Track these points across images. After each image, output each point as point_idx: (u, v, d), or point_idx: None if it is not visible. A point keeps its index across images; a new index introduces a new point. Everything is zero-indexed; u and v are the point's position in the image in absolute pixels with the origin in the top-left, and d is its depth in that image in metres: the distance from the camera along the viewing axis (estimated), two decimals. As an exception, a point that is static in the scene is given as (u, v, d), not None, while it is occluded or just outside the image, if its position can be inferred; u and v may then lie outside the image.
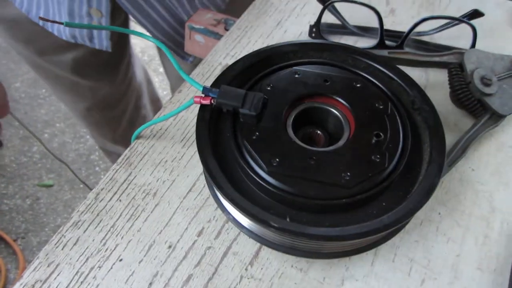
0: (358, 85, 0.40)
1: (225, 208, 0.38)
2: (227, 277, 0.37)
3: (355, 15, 0.56)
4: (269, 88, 0.39)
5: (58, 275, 0.37)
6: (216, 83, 0.40)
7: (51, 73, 0.87)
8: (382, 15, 0.52)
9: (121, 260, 0.38)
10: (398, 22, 0.58)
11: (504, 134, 0.47)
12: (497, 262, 0.38)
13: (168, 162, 0.44)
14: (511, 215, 0.41)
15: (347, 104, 0.39)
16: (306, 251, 0.36)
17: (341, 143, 0.37)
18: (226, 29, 0.60)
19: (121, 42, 0.89)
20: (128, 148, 0.45)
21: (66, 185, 1.78)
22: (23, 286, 0.37)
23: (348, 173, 0.34)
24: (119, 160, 0.44)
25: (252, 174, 0.35)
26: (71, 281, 0.37)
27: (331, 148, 0.37)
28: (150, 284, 0.37)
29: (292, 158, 0.35)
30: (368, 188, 0.34)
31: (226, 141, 0.38)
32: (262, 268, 0.38)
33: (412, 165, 0.37)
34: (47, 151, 1.87)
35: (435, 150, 0.37)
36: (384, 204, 0.35)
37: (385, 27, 0.53)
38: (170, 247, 0.39)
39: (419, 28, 0.52)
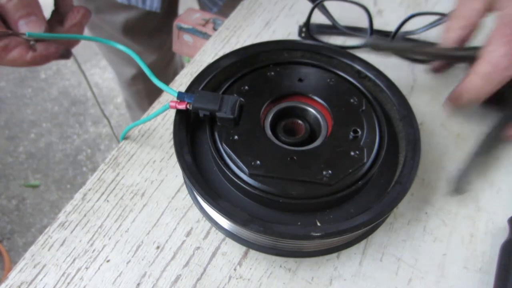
0: (332, 82, 0.40)
1: (210, 216, 0.38)
2: (216, 278, 0.37)
3: (344, 15, 0.56)
4: (244, 90, 0.39)
5: (44, 276, 0.37)
6: (191, 87, 0.40)
7: (105, 33, 0.92)
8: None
9: (108, 261, 0.38)
10: (385, 23, 0.58)
11: (490, 135, 0.48)
12: (482, 261, 0.39)
13: (157, 162, 0.44)
14: (496, 215, 0.41)
15: (322, 102, 0.39)
16: (287, 250, 0.36)
17: (319, 140, 0.38)
18: (215, 29, 0.60)
19: (170, 10, 0.93)
20: (116, 148, 0.45)
21: (53, 185, 1.77)
22: (9, 288, 0.36)
23: (330, 171, 0.34)
24: (107, 160, 0.44)
25: (234, 178, 0.35)
26: (57, 282, 0.36)
27: (310, 146, 0.37)
28: (138, 285, 0.36)
29: (273, 159, 0.35)
30: (349, 184, 0.34)
31: (205, 146, 0.37)
32: (250, 268, 0.38)
33: (390, 159, 0.38)
34: (33, 151, 1.85)
35: (410, 145, 0.37)
36: (362, 202, 0.36)
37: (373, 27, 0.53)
38: (158, 247, 0.38)
39: (407, 28, 0.52)
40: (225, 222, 0.36)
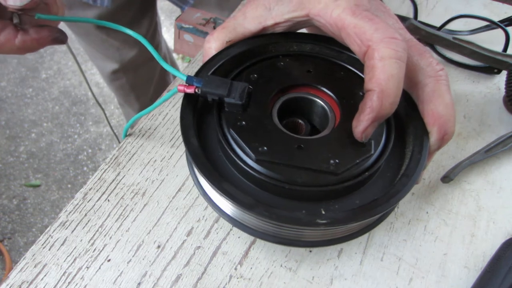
0: (340, 75, 0.41)
1: (214, 202, 0.38)
2: (216, 277, 0.37)
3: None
4: (253, 79, 0.39)
5: (45, 275, 0.37)
6: (200, 72, 0.40)
7: (82, 28, 0.93)
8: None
9: (109, 260, 0.38)
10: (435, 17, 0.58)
11: (490, 134, 0.48)
12: (483, 260, 0.39)
13: (157, 161, 0.44)
14: (497, 214, 0.41)
15: (331, 93, 0.39)
16: (289, 239, 0.36)
17: (327, 131, 0.38)
18: (215, 28, 0.60)
19: (145, 5, 0.93)
20: (117, 148, 0.45)
21: (54, 185, 1.77)
22: (9, 287, 0.36)
23: (337, 160, 0.34)
24: (108, 159, 0.44)
25: (240, 163, 0.34)
26: (58, 281, 0.36)
27: (318, 136, 0.37)
28: (139, 284, 0.37)
29: (279, 146, 0.35)
30: (355, 175, 0.34)
31: (211, 131, 0.38)
32: (251, 268, 0.38)
33: (396, 153, 0.38)
34: (34, 150, 1.85)
35: (418, 140, 0.37)
36: (368, 194, 0.36)
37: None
38: (159, 247, 0.39)
39: (455, 27, 0.52)
40: (228, 208, 0.36)
